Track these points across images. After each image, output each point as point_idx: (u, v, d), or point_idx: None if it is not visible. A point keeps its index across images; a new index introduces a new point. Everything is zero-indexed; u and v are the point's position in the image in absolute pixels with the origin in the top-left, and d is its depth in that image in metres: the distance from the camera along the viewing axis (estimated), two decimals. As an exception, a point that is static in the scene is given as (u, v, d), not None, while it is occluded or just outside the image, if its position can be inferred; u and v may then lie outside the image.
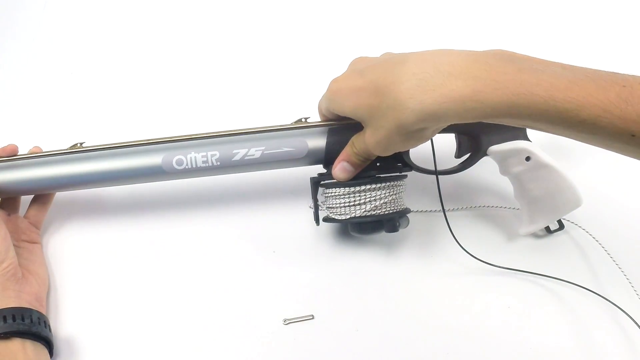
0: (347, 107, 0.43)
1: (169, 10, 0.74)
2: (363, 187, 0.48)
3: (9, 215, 0.52)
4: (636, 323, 0.48)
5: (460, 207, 0.56)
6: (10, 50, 0.70)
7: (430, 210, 0.55)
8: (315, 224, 0.51)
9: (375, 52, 0.47)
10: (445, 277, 0.52)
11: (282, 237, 0.55)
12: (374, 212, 0.48)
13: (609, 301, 0.50)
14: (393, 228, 0.48)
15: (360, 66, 0.44)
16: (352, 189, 0.48)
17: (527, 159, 0.49)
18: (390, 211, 0.49)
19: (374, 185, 0.48)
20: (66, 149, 0.50)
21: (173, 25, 0.73)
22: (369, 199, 0.48)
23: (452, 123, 0.39)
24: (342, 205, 0.49)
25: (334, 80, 0.45)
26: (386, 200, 0.48)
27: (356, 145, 0.46)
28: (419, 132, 0.40)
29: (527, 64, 0.36)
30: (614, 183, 0.57)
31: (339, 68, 0.47)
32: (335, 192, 0.49)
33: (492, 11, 0.71)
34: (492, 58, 0.37)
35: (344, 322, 0.50)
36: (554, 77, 0.35)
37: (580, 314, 0.50)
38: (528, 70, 0.36)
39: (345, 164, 0.47)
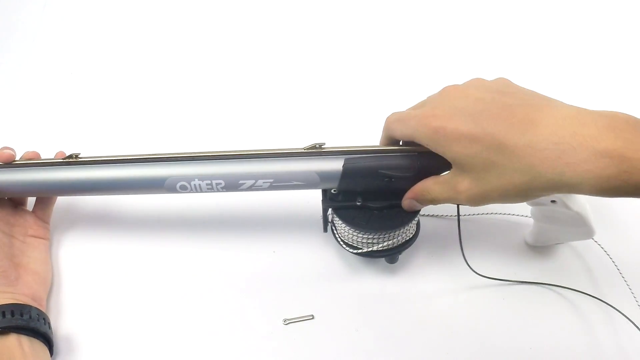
0: (456, 153, 0.39)
1: (171, 11, 0.74)
2: (380, 236, 0.46)
3: (16, 207, 0.52)
4: (638, 327, 0.47)
5: (471, 214, 0.55)
6: (10, 50, 0.70)
7: (442, 215, 0.55)
8: (321, 230, 0.51)
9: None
10: (445, 279, 0.52)
11: (282, 237, 0.55)
12: (382, 249, 0.47)
13: (615, 309, 0.49)
14: (392, 260, 0.48)
15: (470, 104, 0.39)
16: (368, 235, 0.46)
17: (552, 202, 0.45)
18: (397, 244, 0.48)
19: (391, 233, 0.47)
20: (61, 159, 0.48)
21: (175, 24, 0.73)
22: (381, 242, 0.47)
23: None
24: (353, 240, 0.48)
25: (433, 115, 0.40)
26: (397, 240, 0.47)
27: (437, 190, 0.42)
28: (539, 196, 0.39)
29: None
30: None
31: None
32: (348, 230, 0.47)
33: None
34: (623, 124, 0.34)
35: (344, 322, 0.49)
36: None
37: (583, 320, 0.50)
38: None
39: (415, 202, 0.45)
